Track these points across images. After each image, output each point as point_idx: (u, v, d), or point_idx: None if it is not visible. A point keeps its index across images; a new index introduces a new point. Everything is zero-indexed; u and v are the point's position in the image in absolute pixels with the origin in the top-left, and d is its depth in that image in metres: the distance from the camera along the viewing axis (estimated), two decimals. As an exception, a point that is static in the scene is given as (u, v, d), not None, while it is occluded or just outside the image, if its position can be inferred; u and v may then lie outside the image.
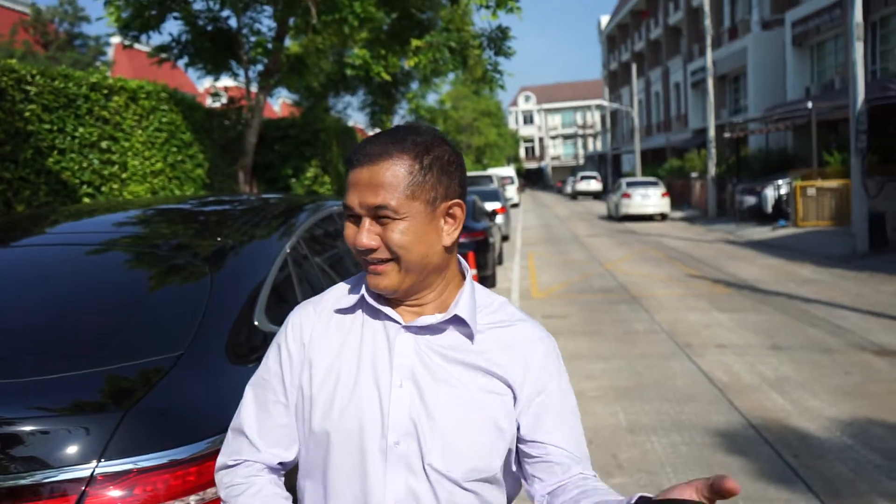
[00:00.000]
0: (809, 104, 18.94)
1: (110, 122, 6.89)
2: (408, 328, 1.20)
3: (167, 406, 1.62)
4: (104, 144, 6.75)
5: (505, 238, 17.35)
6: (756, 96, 27.01)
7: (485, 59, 10.57)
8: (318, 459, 1.20)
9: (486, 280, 10.64)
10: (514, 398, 1.21)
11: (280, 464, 1.26)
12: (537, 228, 23.11)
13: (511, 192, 33.18)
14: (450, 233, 1.20)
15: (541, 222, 25.99)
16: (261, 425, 1.24)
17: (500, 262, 13.23)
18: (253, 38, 10.70)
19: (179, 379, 1.69)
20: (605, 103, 51.62)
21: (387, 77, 9.97)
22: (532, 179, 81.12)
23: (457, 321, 1.21)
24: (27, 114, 5.75)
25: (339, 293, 1.29)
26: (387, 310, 1.21)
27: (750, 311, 8.34)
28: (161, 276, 2.18)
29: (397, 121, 26.12)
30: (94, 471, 1.44)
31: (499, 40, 9.70)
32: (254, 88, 10.96)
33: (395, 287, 1.17)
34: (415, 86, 22.88)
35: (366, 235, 1.15)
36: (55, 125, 6.10)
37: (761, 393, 5.31)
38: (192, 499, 1.51)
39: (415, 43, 9.09)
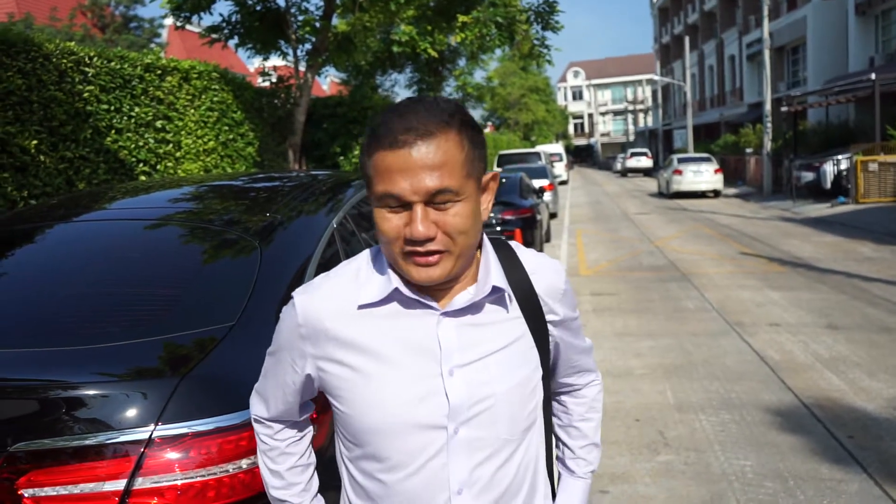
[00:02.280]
0: (873, 75, 18.16)
1: (164, 101, 7.06)
2: (446, 313, 1.15)
3: (220, 374, 1.67)
4: (159, 124, 6.92)
5: (553, 215, 17.21)
6: (815, 68, 26.01)
7: (532, 35, 10.42)
8: (369, 450, 1.17)
9: (533, 257, 10.58)
10: (549, 337, 1.26)
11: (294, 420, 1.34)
12: (586, 206, 22.85)
13: (559, 169, 32.80)
14: (487, 207, 1.16)
15: (589, 199, 25.68)
16: (271, 397, 1.30)
17: (547, 239, 13.14)
18: (301, 17, 10.77)
19: (231, 348, 1.74)
20: (657, 78, 50.41)
21: (433, 53, 9.94)
22: (581, 156, 80.00)
23: (493, 291, 1.17)
24: (86, 94, 5.92)
25: (357, 280, 1.19)
26: (423, 298, 1.14)
27: (805, 290, 8.12)
28: (213, 250, 2.24)
29: (444, 98, 25.93)
30: (152, 433, 1.51)
31: (546, 14, 9.55)
32: (302, 67, 11.06)
33: (447, 276, 1.10)
34: (462, 63, 22.73)
35: (423, 224, 1.05)
36: (112, 105, 6.28)
37: (815, 372, 5.19)
38: (244, 462, 1.56)
39: (461, 19, 9.03)
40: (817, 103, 22.62)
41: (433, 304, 1.14)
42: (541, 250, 10.95)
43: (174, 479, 1.49)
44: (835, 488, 3.45)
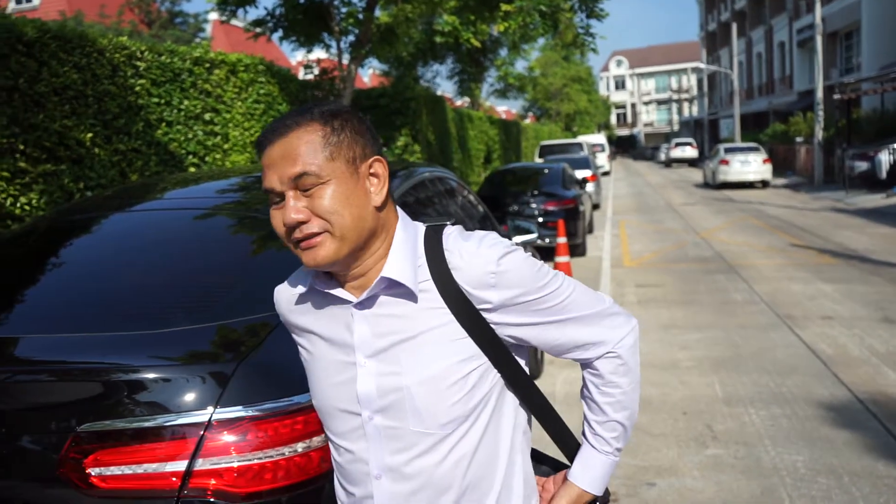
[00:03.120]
0: (932, 60, 17.47)
1: (212, 94, 7.18)
2: (359, 304, 1.18)
3: (275, 359, 1.70)
4: (207, 116, 7.04)
5: (595, 206, 17.02)
6: (871, 53, 25.12)
7: (575, 24, 10.29)
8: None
9: (576, 248, 10.50)
10: (497, 325, 1.20)
11: None
12: (629, 197, 22.54)
13: (602, 159, 32.41)
14: (378, 191, 1.16)
15: (632, 191, 25.32)
16: None
17: (590, 230, 13.01)
18: (344, 10, 10.83)
19: (285, 334, 1.76)
20: (703, 66, 49.36)
21: (476, 43, 9.88)
22: (624, 147, 78.82)
23: (390, 284, 1.17)
24: (138, 88, 6.06)
25: (294, 278, 1.30)
26: (337, 291, 1.19)
27: (859, 282, 7.88)
28: (264, 238, 2.28)
29: (486, 89, 25.85)
30: (211, 416, 1.55)
31: (590, 1, 9.41)
32: (345, 60, 11.12)
33: (334, 257, 1.12)
34: (503, 53, 22.58)
35: (293, 209, 1.10)
36: (163, 98, 6.42)
37: (870, 367, 5.03)
38: (299, 446, 1.59)
39: (504, 7, 8.96)
40: (872, 90, 21.86)
41: (347, 296, 1.18)
42: (583, 241, 10.89)
43: (232, 462, 1.53)
44: (892, 486, 3.35)
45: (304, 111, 1.15)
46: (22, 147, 4.77)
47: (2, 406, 1.62)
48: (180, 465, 1.51)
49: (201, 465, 1.52)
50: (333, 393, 1.22)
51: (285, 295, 1.31)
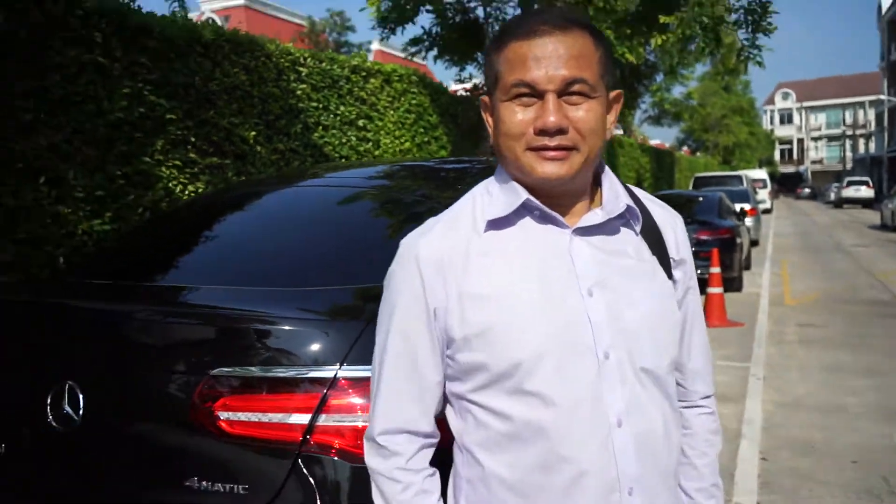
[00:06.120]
0: None
1: (367, 102, 7.43)
2: (577, 231, 1.08)
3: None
4: (361, 123, 7.29)
5: (754, 243, 15.93)
6: None
7: (738, 38, 9.66)
8: (518, 387, 1.04)
9: (732, 282, 9.80)
10: (673, 282, 1.17)
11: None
12: (792, 236, 20.95)
13: (763, 196, 30.42)
14: (613, 124, 1.11)
15: (796, 230, 23.55)
16: (416, 387, 1.12)
17: (747, 266, 12.15)
18: (497, 28, 10.93)
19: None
20: (884, 97, 45.29)
21: (630, 58, 9.50)
22: (788, 185, 73.50)
23: (621, 215, 1.11)
24: (299, 92, 6.37)
25: (473, 214, 1.11)
26: (553, 213, 1.07)
27: None
28: (406, 218, 2.29)
29: (639, 116, 25.06)
30: (336, 373, 1.49)
31: (756, 14, 8.77)
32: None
33: (572, 175, 1.04)
34: (659, 78, 21.85)
35: (556, 115, 1.00)
36: (321, 103, 6.70)
37: None
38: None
39: (663, 19, 8.57)
40: None
41: (562, 220, 1.08)
42: (740, 275, 10.17)
43: (355, 421, 1.45)
44: None
45: (568, 14, 1.04)
46: (193, 140, 5.12)
47: (150, 342, 1.67)
48: (304, 419, 1.45)
49: (324, 420, 1.46)
50: (555, 330, 1.03)
51: (453, 238, 1.09)
